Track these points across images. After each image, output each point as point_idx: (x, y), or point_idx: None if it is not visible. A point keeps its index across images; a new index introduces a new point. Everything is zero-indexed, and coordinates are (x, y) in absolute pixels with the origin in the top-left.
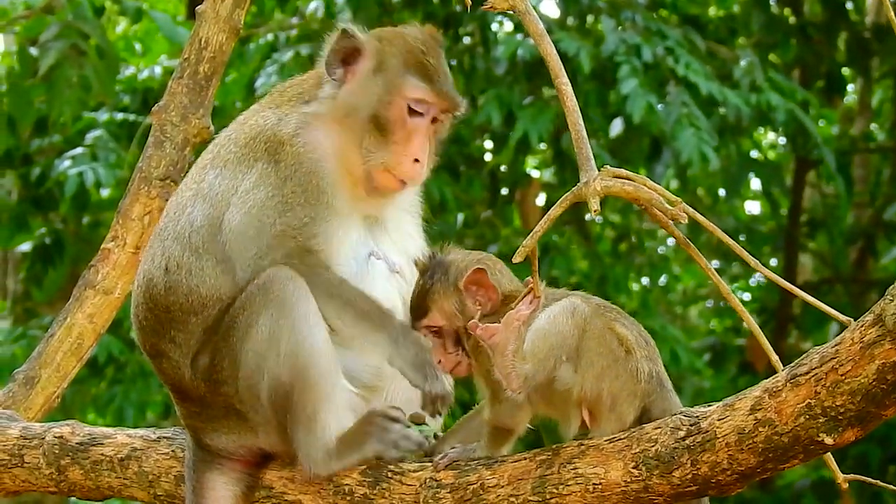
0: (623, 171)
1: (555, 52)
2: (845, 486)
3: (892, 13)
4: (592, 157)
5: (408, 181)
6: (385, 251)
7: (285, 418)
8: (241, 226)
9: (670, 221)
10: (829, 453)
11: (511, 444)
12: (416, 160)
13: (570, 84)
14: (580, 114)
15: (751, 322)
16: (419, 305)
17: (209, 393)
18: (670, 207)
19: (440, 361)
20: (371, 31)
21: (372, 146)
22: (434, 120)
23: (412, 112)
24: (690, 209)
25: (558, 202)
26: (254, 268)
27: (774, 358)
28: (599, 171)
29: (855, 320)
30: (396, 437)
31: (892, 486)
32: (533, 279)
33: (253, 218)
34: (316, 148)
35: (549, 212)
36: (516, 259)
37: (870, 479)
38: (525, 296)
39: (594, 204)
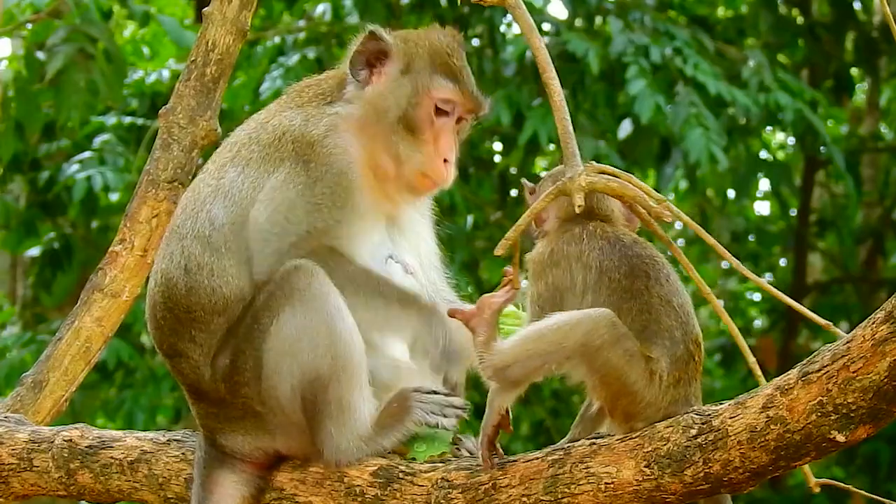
0: (608, 168)
1: (543, 46)
2: (817, 489)
3: (892, 17)
4: (578, 152)
5: (440, 182)
6: (400, 253)
7: (309, 416)
8: (267, 223)
9: (656, 225)
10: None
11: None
12: (446, 160)
13: (557, 79)
14: (567, 109)
15: (728, 321)
16: None
17: (229, 394)
18: (654, 205)
19: None
20: (395, 32)
21: (404, 149)
22: (458, 120)
23: (438, 112)
24: (675, 208)
25: (542, 196)
26: (271, 265)
27: (752, 360)
28: (584, 166)
29: (834, 325)
30: (437, 407)
31: (855, 489)
32: (514, 271)
33: (280, 216)
34: (346, 150)
35: (532, 206)
36: (498, 251)
37: (839, 483)
38: (504, 285)
39: (579, 199)
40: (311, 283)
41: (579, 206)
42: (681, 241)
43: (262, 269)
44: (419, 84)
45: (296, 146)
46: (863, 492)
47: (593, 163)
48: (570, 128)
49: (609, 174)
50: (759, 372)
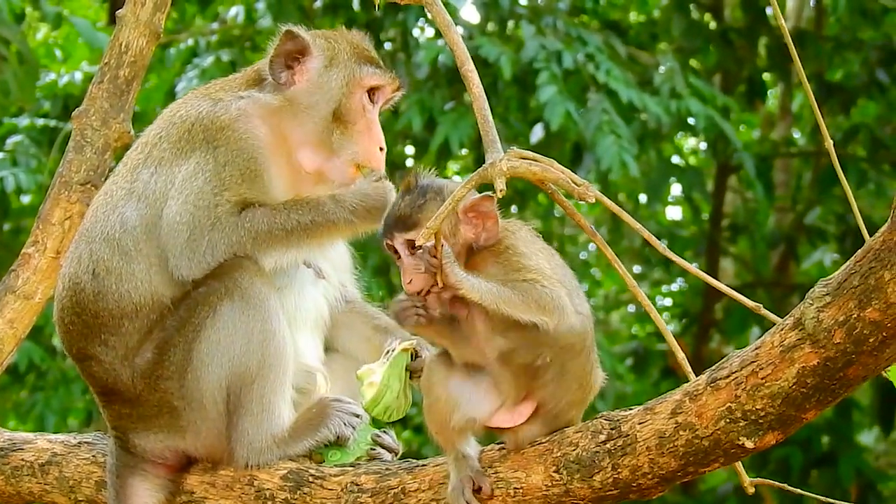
0: (529, 153)
1: (461, 41)
2: (751, 490)
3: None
4: (498, 139)
5: (377, 169)
6: (313, 256)
7: (229, 411)
8: (177, 215)
9: (579, 214)
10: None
11: None
12: (381, 148)
13: (475, 71)
14: (486, 99)
15: (656, 316)
16: (408, 217)
17: (147, 390)
18: (576, 187)
19: (411, 281)
20: (310, 31)
21: (337, 140)
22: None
23: (369, 100)
24: (597, 191)
25: (463, 183)
26: (189, 258)
27: (681, 355)
28: (506, 151)
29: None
30: (355, 419)
31: (798, 490)
32: (438, 257)
33: (189, 205)
34: (257, 136)
35: (454, 192)
36: (420, 241)
37: (777, 483)
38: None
39: (500, 184)
40: (255, 282)
41: (501, 191)
42: (592, 247)
43: (180, 263)
44: (349, 74)
45: (206, 133)
46: (800, 490)
47: (514, 148)
48: (490, 116)
49: (530, 159)
50: (688, 368)
